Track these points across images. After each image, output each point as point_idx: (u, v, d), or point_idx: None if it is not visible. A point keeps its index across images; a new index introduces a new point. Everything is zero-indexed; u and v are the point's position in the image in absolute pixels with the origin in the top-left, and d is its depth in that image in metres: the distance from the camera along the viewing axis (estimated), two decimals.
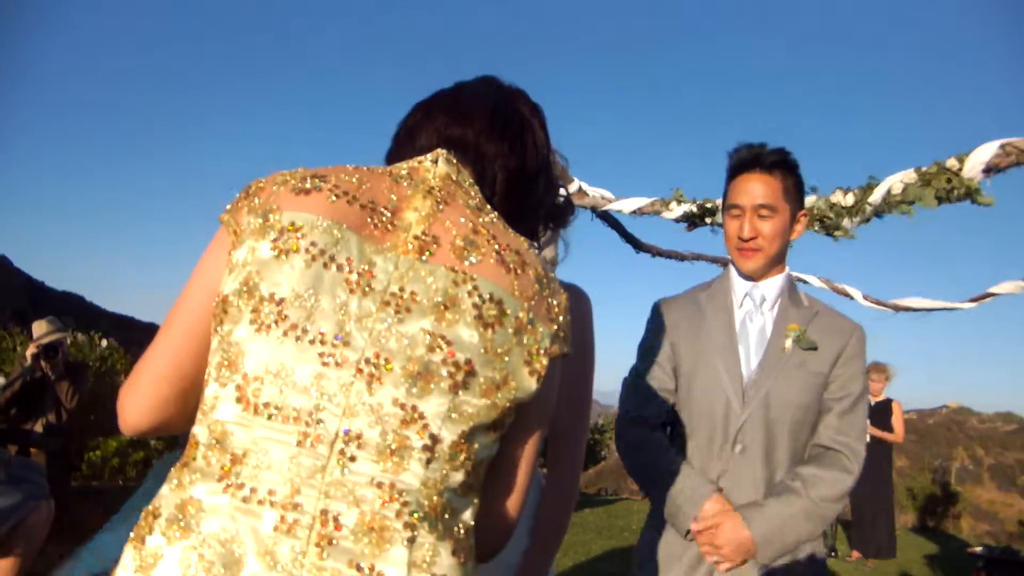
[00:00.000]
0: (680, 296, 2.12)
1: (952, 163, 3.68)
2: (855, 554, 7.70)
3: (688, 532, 1.84)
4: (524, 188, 1.13)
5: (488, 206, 1.06)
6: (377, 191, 0.99)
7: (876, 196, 3.90)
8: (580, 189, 5.53)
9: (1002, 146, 3.49)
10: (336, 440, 0.86)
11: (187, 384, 0.98)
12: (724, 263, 7.88)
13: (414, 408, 0.88)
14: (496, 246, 0.97)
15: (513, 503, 1.04)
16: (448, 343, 0.90)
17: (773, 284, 1.96)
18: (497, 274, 0.95)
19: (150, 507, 0.91)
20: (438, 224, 0.97)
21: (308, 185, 0.96)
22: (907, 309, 5.58)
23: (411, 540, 0.86)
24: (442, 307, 0.91)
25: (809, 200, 4.21)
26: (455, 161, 1.07)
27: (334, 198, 0.95)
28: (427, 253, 0.94)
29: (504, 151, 1.10)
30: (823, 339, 1.90)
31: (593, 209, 5.65)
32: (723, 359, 1.93)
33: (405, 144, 1.13)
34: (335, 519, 0.85)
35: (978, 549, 6.40)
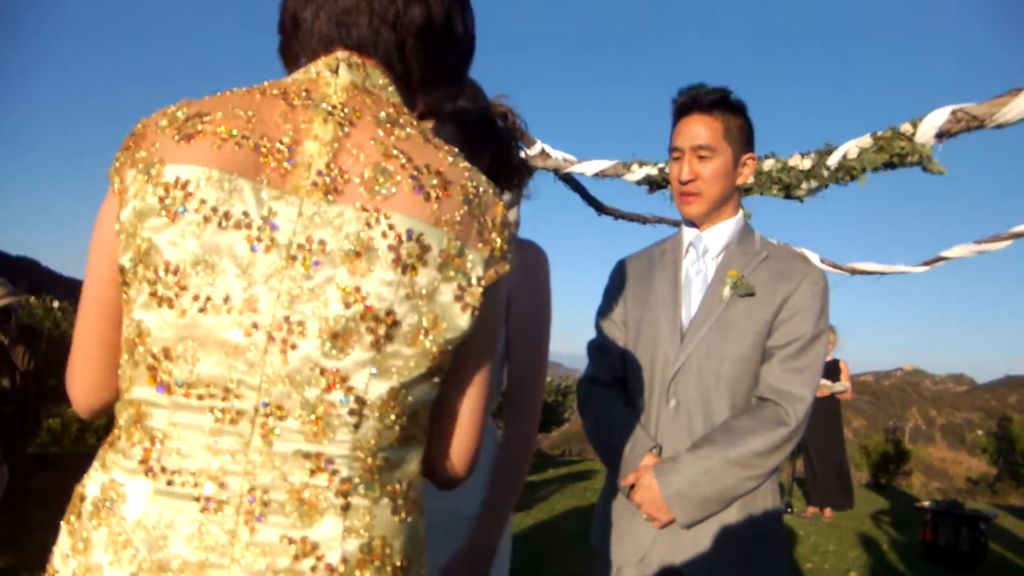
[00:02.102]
0: (637, 254, 2.09)
1: (906, 128, 3.74)
2: (811, 509, 7.92)
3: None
4: (440, 42, 0.99)
5: (405, 113, 0.94)
6: (270, 123, 0.87)
7: (832, 160, 3.95)
8: (543, 151, 5.51)
9: (954, 112, 3.54)
10: (256, 415, 0.81)
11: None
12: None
13: (335, 371, 0.82)
14: (413, 170, 0.86)
15: (462, 447, 0.98)
16: (364, 296, 0.82)
17: (720, 231, 1.90)
18: (415, 204, 0.85)
19: (78, 487, 0.89)
20: (344, 153, 0.86)
21: (190, 129, 0.85)
22: (862, 272, 5.71)
23: (345, 507, 0.83)
24: (354, 255, 0.82)
25: (767, 163, 4.25)
26: (359, 61, 0.94)
27: (219, 143, 0.84)
28: (333, 192, 0.84)
29: (401, 5, 0.95)
30: (769, 284, 1.81)
31: (556, 171, 5.65)
32: (663, 311, 1.88)
33: (293, 35, 0.98)
34: (263, 496, 0.81)
35: (926, 504, 6.63)
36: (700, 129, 1.83)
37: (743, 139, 1.86)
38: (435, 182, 0.87)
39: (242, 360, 0.81)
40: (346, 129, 0.87)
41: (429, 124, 1.13)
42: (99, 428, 10.04)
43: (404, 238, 0.83)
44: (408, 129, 0.91)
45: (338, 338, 0.82)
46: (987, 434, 17.04)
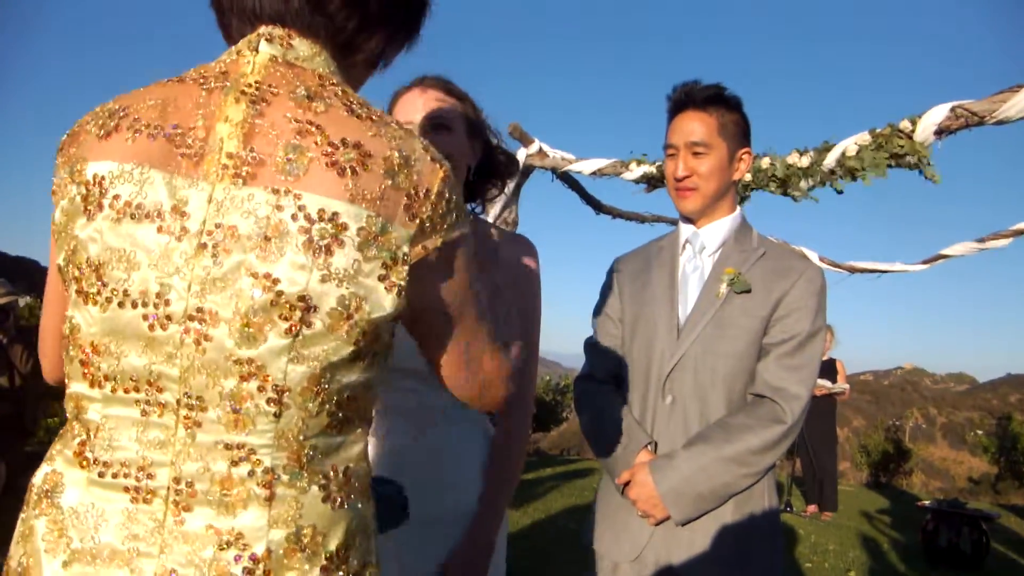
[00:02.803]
0: (634, 251, 2.09)
1: (905, 125, 3.72)
2: (810, 508, 7.91)
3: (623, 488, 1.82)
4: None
5: (332, 83, 0.89)
6: (184, 111, 0.85)
7: (830, 158, 3.94)
8: (540, 150, 5.50)
9: (953, 109, 3.53)
10: (179, 407, 0.81)
11: None
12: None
13: (250, 361, 0.80)
14: (327, 145, 0.82)
15: (489, 393, 1.02)
16: (275, 281, 0.79)
17: (716, 228, 1.89)
18: (328, 182, 0.81)
19: (34, 477, 0.91)
20: (258, 134, 0.83)
21: (110, 125, 0.85)
22: (861, 271, 5.68)
23: (269, 498, 0.82)
24: (264, 239, 0.80)
25: (765, 161, 4.23)
26: (282, 34, 0.90)
27: (134, 135, 0.84)
28: (245, 175, 0.81)
29: None
30: (765, 281, 1.80)
31: (554, 170, 5.63)
32: (660, 308, 1.87)
33: (228, 11, 0.93)
34: (188, 486, 0.81)
35: (927, 502, 6.61)
36: (695, 125, 1.83)
37: (738, 134, 1.86)
38: (352, 156, 0.82)
39: (161, 353, 0.81)
40: (259, 107, 0.84)
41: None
42: None
43: (315, 218, 0.80)
44: (330, 100, 0.86)
45: (251, 326, 0.79)
46: (988, 433, 17.02)
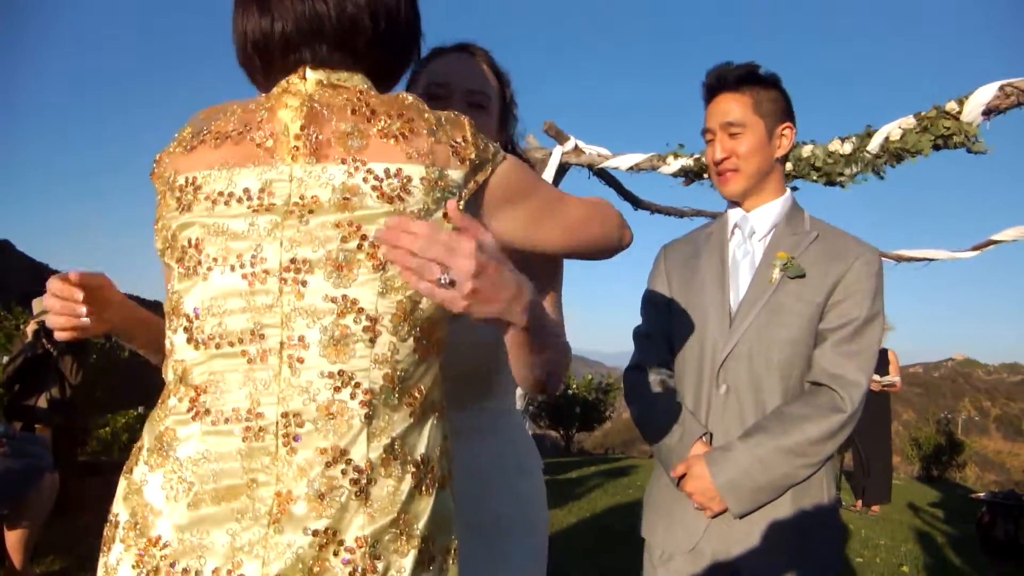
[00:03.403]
0: (681, 238, 2.05)
1: (951, 106, 3.61)
2: (859, 503, 7.76)
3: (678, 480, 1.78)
4: (382, 25, 1.05)
5: (368, 93, 1.02)
6: (254, 119, 1.01)
7: (874, 144, 3.84)
8: (576, 147, 5.47)
9: (1002, 87, 3.42)
10: (282, 349, 0.93)
11: None
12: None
13: (344, 297, 0.93)
14: (378, 121, 0.97)
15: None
16: (358, 227, 0.93)
17: (766, 211, 1.84)
18: (386, 149, 0.96)
19: (137, 443, 1.02)
20: (316, 118, 0.98)
21: (195, 142, 1.01)
22: (909, 259, 5.55)
23: (368, 416, 0.93)
24: (343, 200, 0.94)
25: (807, 149, 4.15)
26: (321, 66, 1.03)
27: (216, 144, 1.00)
28: (316, 154, 0.96)
29: (330, 7, 1.02)
30: (820, 265, 1.75)
31: (590, 167, 5.59)
32: (710, 295, 1.83)
33: (267, 65, 1.06)
34: (296, 416, 0.92)
35: (982, 494, 6.42)
36: (729, 106, 1.80)
37: (777, 110, 1.81)
38: (398, 124, 0.98)
39: (261, 305, 0.94)
40: (316, 98, 1.00)
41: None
42: None
43: (383, 176, 0.94)
44: (364, 93, 1.02)
45: (342, 268, 0.93)
46: None
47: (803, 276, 1.74)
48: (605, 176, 5.83)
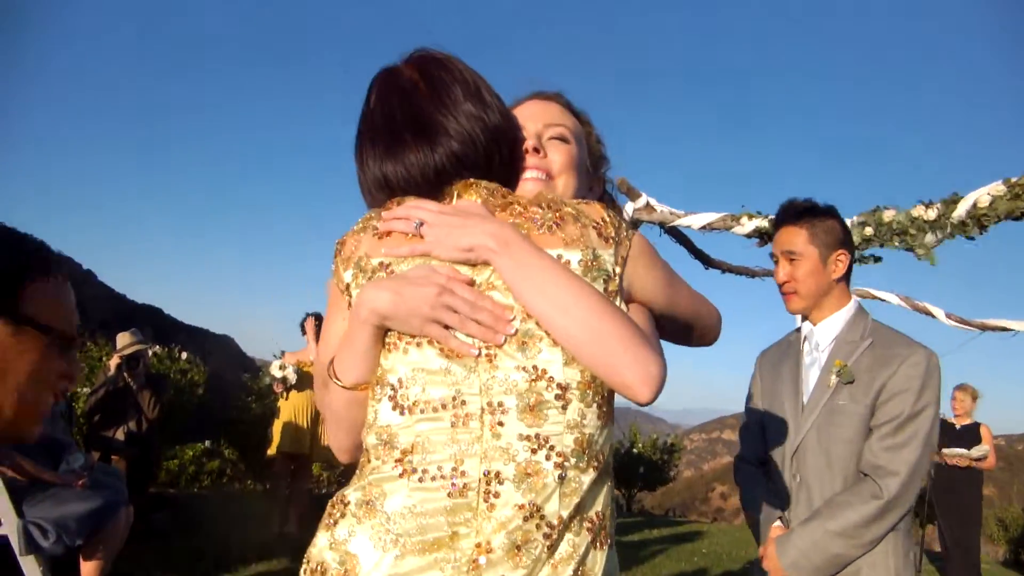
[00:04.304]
0: (772, 346, 2.42)
1: None
2: None
3: None
4: (486, 144, 1.22)
5: (499, 188, 1.20)
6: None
7: (960, 210, 3.73)
8: (648, 204, 5.46)
9: None
10: (483, 414, 1.04)
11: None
12: None
13: (535, 368, 1.05)
14: (534, 215, 1.12)
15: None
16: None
17: (829, 325, 2.16)
18: (545, 239, 1.10)
19: (336, 497, 1.12)
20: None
21: (383, 231, 1.16)
22: (993, 329, 5.32)
23: (561, 477, 1.03)
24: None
25: (888, 214, 4.05)
26: (465, 179, 1.20)
27: (402, 235, 1.15)
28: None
29: (461, 137, 1.19)
30: (871, 371, 2.01)
31: (661, 225, 5.57)
32: (787, 398, 2.18)
33: (376, 195, 1.25)
34: (497, 475, 1.02)
35: None
36: (789, 237, 2.16)
37: (831, 240, 2.13)
38: (549, 216, 1.12)
39: (459, 374, 1.06)
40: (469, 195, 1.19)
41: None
42: (212, 471, 10.47)
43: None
44: (508, 195, 1.19)
45: (526, 343, 1.06)
46: None
47: (853, 381, 2.03)
48: (676, 234, 5.79)
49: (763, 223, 4.91)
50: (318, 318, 6.90)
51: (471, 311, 1.06)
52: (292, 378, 6.81)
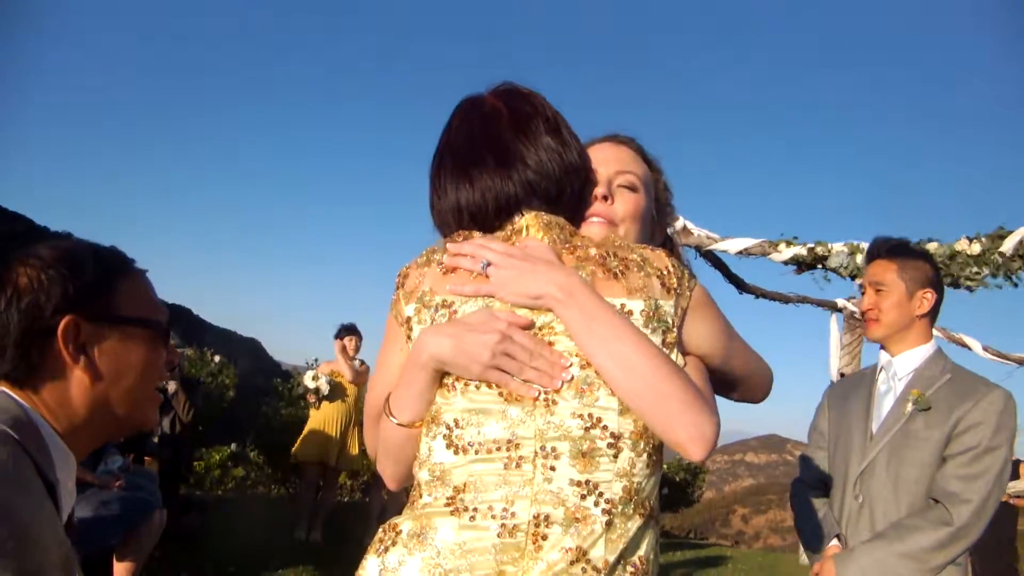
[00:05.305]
0: (844, 378, 2.61)
1: None
2: None
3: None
4: (559, 178, 1.24)
5: (566, 226, 1.24)
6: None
7: (1008, 245, 3.68)
8: (685, 227, 5.47)
9: None
10: (536, 457, 1.06)
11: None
12: (831, 307, 7.60)
13: (590, 415, 1.07)
14: (598, 258, 1.15)
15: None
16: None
17: (908, 357, 2.25)
18: (608, 286, 1.12)
19: (388, 524, 1.14)
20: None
21: (448, 266, 1.18)
22: None
23: (608, 523, 1.05)
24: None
25: (930, 247, 4.02)
26: (533, 213, 1.23)
27: (471, 275, 1.16)
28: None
29: (538, 167, 1.22)
30: (949, 402, 2.08)
31: (697, 248, 5.57)
32: (856, 422, 2.25)
33: (454, 223, 1.27)
34: (546, 519, 1.04)
35: None
36: (878, 270, 2.30)
37: (919, 278, 2.25)
38: (615, 263, 1.14)
39: (516, 417, 1.08)
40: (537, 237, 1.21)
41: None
42: (236, 477, 10.55)
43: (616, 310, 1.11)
44: (574, 235, 1.23)
45: (583, 392, 1.07)
46: None
47: (928, 409, 2.09)
48: (711, 258, 5.79)
49: (802, 251, 4.89)
50: (350, 331, 6.95)
51: (529, 359, 1.08)
52: (325, 389, 6.86)
